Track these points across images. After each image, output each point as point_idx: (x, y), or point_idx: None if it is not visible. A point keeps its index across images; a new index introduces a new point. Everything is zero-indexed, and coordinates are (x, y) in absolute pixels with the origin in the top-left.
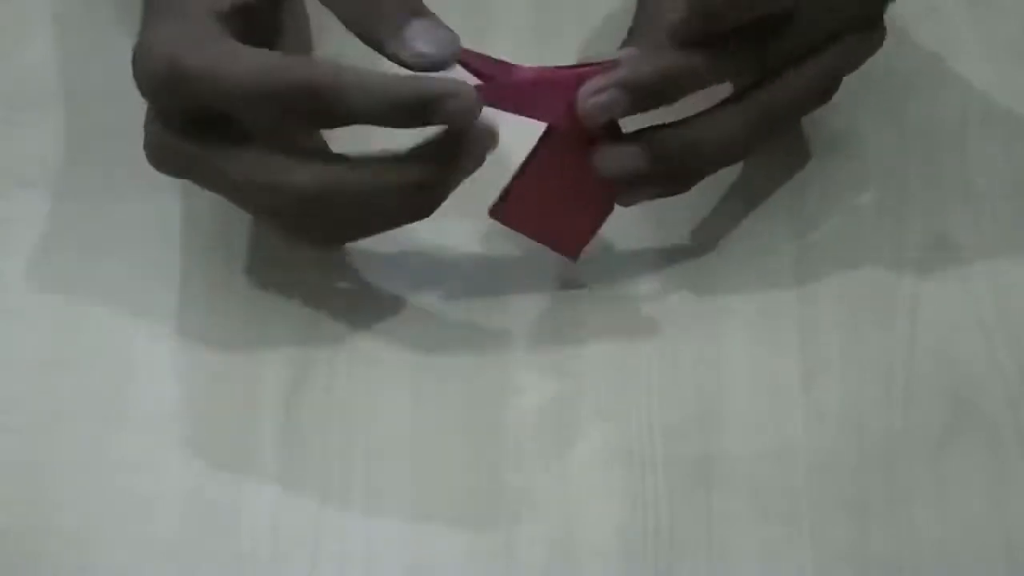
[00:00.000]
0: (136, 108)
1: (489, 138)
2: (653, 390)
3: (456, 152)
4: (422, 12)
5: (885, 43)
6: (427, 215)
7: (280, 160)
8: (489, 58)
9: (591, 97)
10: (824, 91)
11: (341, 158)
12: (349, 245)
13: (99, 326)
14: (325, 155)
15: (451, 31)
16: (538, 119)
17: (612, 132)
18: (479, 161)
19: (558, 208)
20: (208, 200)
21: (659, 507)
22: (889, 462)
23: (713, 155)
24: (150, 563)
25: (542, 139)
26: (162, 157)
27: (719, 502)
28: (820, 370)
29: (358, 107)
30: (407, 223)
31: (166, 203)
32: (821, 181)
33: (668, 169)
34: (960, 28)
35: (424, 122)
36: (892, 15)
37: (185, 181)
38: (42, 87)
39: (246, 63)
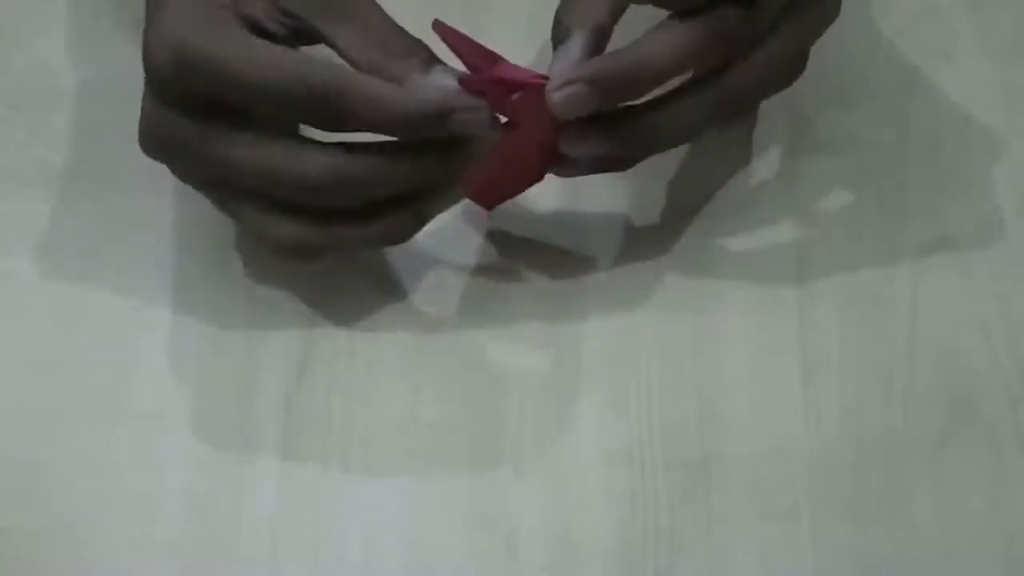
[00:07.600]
0: (136, 108)
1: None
2: (653, 390)
3: (459, 149)
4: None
5: (884, 43)
6: (408, 236)
7: (286, 145)
8: (478, 45)
9: (556, 91)
10: (789, 72)
11: (346, 146)
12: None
13: (99, 325)
14: (329, 144)
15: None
16: (505, 116)
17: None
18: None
19: (494, 172)
20: (207, 199)
21: (659, 507)
22: (889, 462)
23: (673, 140)
24: (150, 563)
25: (505, 125)
26: (157, 138)
27: (719, 502)
28: (820, 369)
29: (369, 117)
30: (389, 241)
31: (166, 202)
32: (821, 180)
33: (626, 152)
34: (960, 28)
35: (437, 134)
36: (892, 15)
37: None
38: (42, 87)
39: (260, 59)
